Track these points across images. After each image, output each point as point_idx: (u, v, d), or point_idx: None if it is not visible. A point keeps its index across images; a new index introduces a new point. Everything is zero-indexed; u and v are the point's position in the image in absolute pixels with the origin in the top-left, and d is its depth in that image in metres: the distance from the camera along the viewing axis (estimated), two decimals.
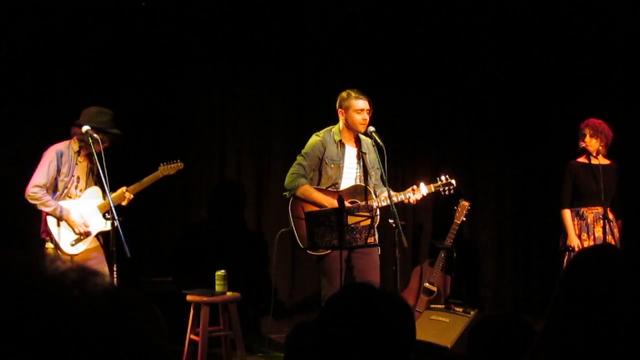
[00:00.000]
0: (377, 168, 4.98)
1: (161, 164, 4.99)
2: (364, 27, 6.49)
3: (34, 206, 4.60)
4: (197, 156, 6.11)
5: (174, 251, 6.16)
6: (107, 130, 4.64)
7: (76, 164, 4.73)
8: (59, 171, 4.64)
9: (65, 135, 4.75)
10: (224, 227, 6.15)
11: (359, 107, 4.82)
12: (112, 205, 4.34)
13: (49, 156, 4.64)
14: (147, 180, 4.92)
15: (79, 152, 4.72)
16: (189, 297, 4.89)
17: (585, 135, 5.35)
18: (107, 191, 4.39)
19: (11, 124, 5.34)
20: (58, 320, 0.64)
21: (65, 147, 4.71)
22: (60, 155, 4.65)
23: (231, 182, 6.28)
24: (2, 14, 5.25)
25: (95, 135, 4.51)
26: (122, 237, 4.21)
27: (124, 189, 4.83)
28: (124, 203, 4.78)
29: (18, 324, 0.63)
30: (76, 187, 4.74)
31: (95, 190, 4.81)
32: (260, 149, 6.34)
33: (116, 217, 4.28)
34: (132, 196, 4.83)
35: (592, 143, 5.32)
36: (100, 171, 4.39)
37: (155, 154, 5.60)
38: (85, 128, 4.54)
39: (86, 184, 4.80)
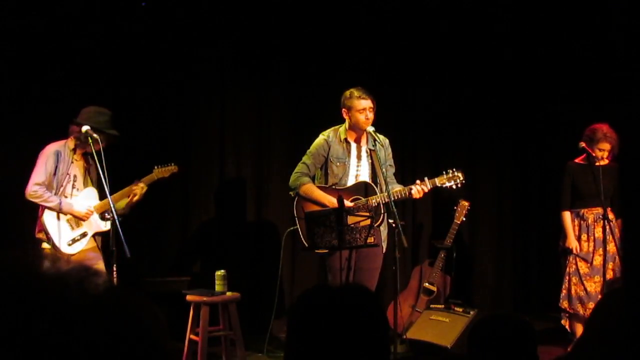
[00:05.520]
0: (391, 165, 5.03)
1: (155, 167, 4.98)
2: (365, 25, 6.49)
3: (34, 205, 4.61)
4: (197, 156, 6.11)
5: (174, 251, 6.16)
6: (105, 131, 4.64)
7: (72, 162, 4.73)
8: (55, 170, 4.65)
9: (62, 136, 4.75)
10: (223, 227, 6.15)
11: (361, 107, 4.85)
12: (112, 205, 4.34)
13: (46, 155, 4.66)
14: (145, 181, 4.92)
15: (74, 151, 4.72)
16: (188, 297, 4.89)
17: (598, 142, 5.22)
18: (107, 191, 4.39)
19: (7, 125, 5.33)
20: (59, 320, 0.64)
21: (62, 146, 4.72)
22: (56, 154, 4.66)
23: (231, 182, 6.28)
24: (1, 12, 5.25)
25: (95, 135, 4.51)
26: (122, 237, 4.21)
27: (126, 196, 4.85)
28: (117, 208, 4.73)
29: (20, 325, 0.63)
30: (73, 186, 4.75)
31: (92, 191, 4.81)
32: (260, 149, 6.35)
33: (116, 217, 4.28)
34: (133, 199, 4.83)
35: (605, 152, 5.26)
36: (100, 171, 4.39)
37: (155, 154, 5.60)
38: (85, 128, 4.54)
39: (83, 183, 4.81)
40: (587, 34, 6.44)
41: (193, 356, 4.83)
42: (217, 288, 4.89)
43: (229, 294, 4.91)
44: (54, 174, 4.66)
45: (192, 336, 4.84)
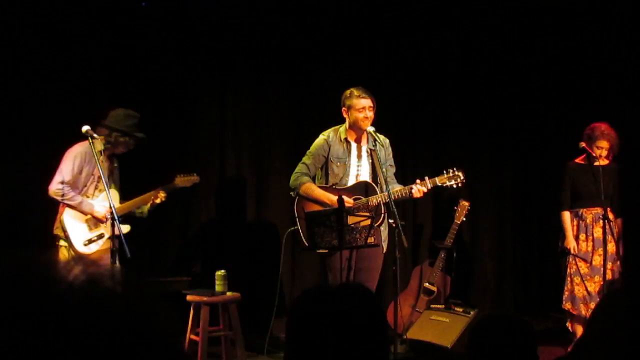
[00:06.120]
0: (391, 165, 5.04)
1: (178, 175, 5.01)
2: (364, 24, 6.49)
3: (55, 202, 4.64)
4: (197, 156, 6.11)
5: (174, 251, 6.16)
6: (134, 134, 4.70)
7: (98, 164, 4.75)
8: (80, 170, 4.67)
9: (77, 138, 4.75)
10: (224, 227, 6.15)
11: (360, 105, 4.85)
12: (112, 205, 4.34)
13: (73, 154, 4.69)
14: (166, 189, 4.97)
15: (101, 152, 4.73)
16: (189, 297, 4.89)
17: (596, 140, 5.21)
18: (107, 191, 4.38)
19: (24, 127, 5.35)
20: (71, 320, 0.65)
21: (89, 147, 4.71)
22: (83, 154, 4.68)
23: (231, 182, 6.28)
24: (7, 18, 5.25)
25: (95, 135, 4.52)
26: (122, 237, 4.22)
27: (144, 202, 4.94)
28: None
29: (29, 325, 0.63)
30: (96, 187, 4.78)
31: (113, 193, 4.80)
32: (260, 149, 6.34)
33: (116, 218, 4.30)
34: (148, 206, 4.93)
35: (603, 151, 5.25)
36: (101, 172, 4.39)
37: (156, 154, 5.60)
38: (85, 128, 4.53)
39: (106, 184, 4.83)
40: (586, 34, 6.44)
41: (193, 356, 4.82)
42: (217, 288, 4.89)
43: (229, 294, 4.91)
44: (80, 173, 4.68)
45: (192, 336, 4.84)
